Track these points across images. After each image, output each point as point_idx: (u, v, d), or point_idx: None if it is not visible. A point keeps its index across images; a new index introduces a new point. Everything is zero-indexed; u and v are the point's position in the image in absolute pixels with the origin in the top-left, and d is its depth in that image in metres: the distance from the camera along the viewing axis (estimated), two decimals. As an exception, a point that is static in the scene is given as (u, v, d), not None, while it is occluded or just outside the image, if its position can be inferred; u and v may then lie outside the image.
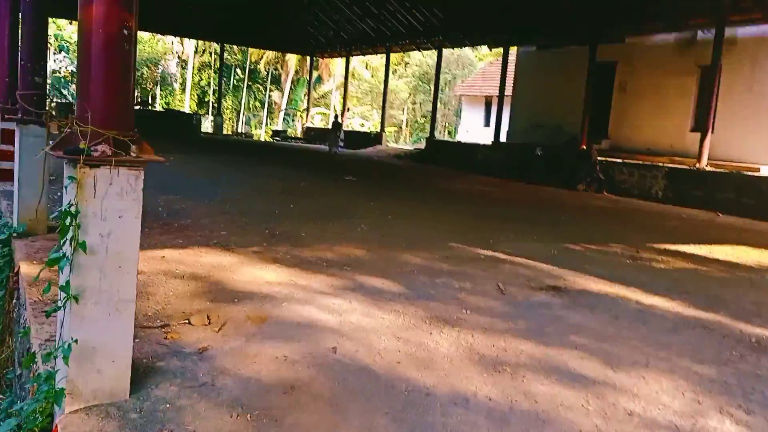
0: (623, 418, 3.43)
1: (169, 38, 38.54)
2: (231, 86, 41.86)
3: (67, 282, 3.05)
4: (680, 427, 3.37)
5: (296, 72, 41.12)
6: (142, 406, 3.19)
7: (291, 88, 41.94)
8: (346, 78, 30.83)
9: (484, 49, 38.19)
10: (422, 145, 26.55)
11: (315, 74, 39.27)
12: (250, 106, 43.10)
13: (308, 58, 34.24)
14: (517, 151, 19.84)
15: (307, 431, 3.10)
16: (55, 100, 32.73)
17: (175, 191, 9.55)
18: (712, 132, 15.57)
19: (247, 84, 41.96)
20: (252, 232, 7.23)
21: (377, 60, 38.92)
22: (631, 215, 12.78)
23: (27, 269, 5.35)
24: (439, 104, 44.31)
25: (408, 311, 4.87)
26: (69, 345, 3.03)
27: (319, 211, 8.98)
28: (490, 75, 32.34)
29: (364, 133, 31.38)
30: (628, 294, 6.00)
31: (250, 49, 38.82)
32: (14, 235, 6.47)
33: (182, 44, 39.49)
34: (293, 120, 41.46)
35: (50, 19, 34.75)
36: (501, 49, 22.66)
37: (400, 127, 49.13)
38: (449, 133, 46.27)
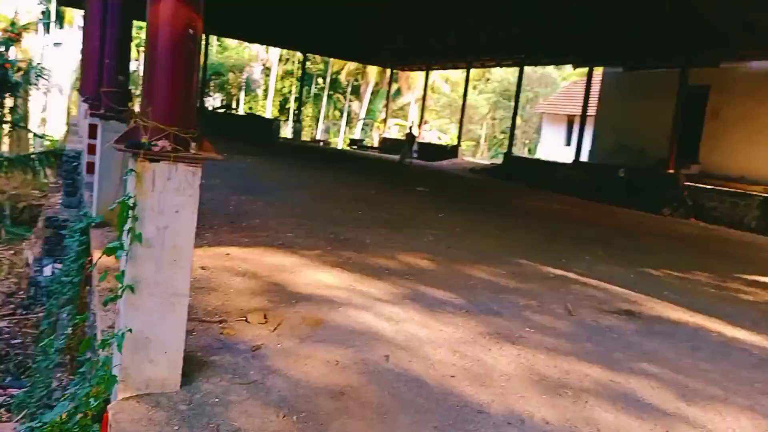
0: (694, 456, 3.16)
1: (255, 46, 39.73)
2: (312, 94, 42.72)
3: (123, 272, 3.09)
4: (759, 473, 3.06)
5: (376, 84, 41.51)
6: (191, 398, 3.18)
7: (370, 99, 42.35)
8: (425, 91, 30.80)
9: (568, 68, 37.42)
10: (500, 160, 26.16)
11: (395, 86, 39.49)
12: (330, 114, 43.83)
13: (388, 70, 34.49)
14: (598, 172, 19.19)
15: (352, 439, 3.00)
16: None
17: (248, 192, 9.71)
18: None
19: (328, 93, 42.70)
20: (317, 235, 7.23)
21: (457, 74, 38.75)
22: (719, 244, 12.06)
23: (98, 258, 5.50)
24: (519, 121, 43.74)
25: (468, 325, 4.70)
26: (123, 333, 3.05)
27: (386, 219, 8.91)
28: (573, 94, 31.56)
29: (440, 145, 31.22)
30: (709, 325, 5.61)
31: (332, 60, 39.51)
32: (92, 225, 6.71)
33: (267, 52, 40.62)
34: (371, 130, 41.85)
35: (143, 24, 36.46)
36: (585, 69, 22.05)
37: (478, 142, 48.70)
38: (529, 150, 45.49)
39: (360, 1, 21.50)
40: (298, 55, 34.19)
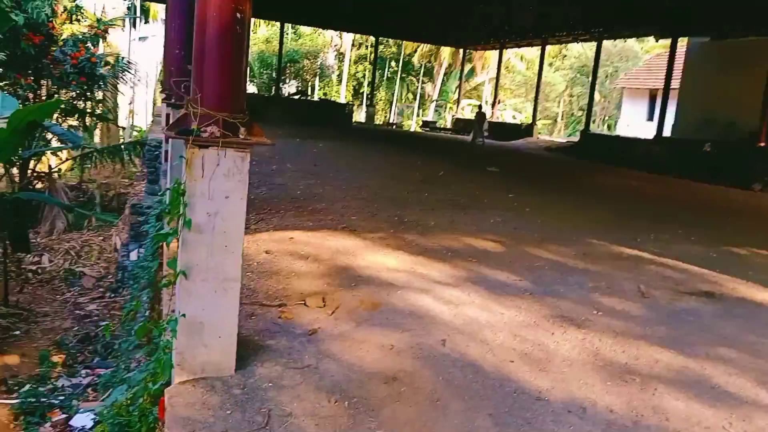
0: (772, 449, 2.93)
1: (329, 32, 39.97)
2: (385, 78, 42.62)
3: (175, 258, 3.14)
4: None
5: (449, 64, 40.90)
6: (246, 382, 3.21)
7: (443, 80, 41.82)
8: (498, 70, 30.09)
9: (651, 41, 35.60)
10: (577, 138, 25.30)
11: (468, 66, 38.81)
12: (403, 97, 43.61)
13: (461, 50, 33.89)
14: (681, 147, 18.21)
15: (403, 425, 2.95)
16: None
17: (316, 176, 9.78)
18: None
19: (401, 76, 42.46)
20: (381, 218, 7.19)
21: (532, 52, 37.65)
22: (815, 221, 11.22)
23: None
24: (598, 97, 42.06)
25: (531, 308, 4.55)
26: (176, 318, 3.11)
27: (452, 200, 8.76)
28: (655, 67, 30.03)
29: (514, 124, 30.48)
30: (797, 307, 5.21)
31: (405, 42, 39.22)
32: (167, 210, 6.92)
33: (341, 38, 40.78)
34: (444, 111, 41.40)
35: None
36: (668, 41, 20.87)
37: (555, 120, 47.27)
38: (608, 126, 43.76)
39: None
40: (371, 39, 34.12)
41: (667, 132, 20.44)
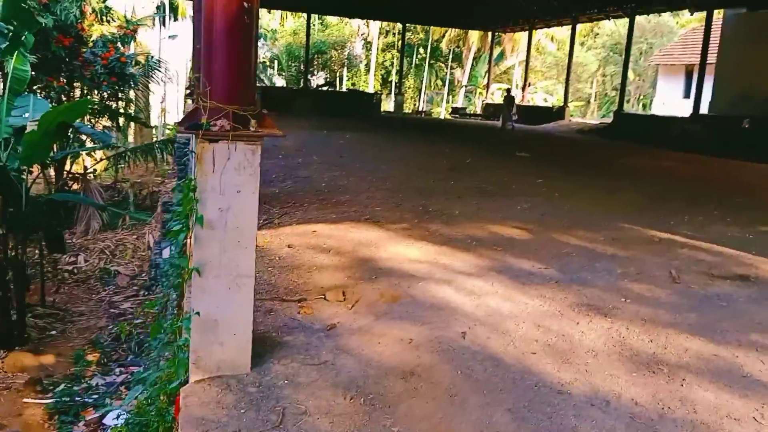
0: (807, 442, 2.78)
1: (356, 21, 39.83)
2: (413, 65, 42.33)
3: (189, 255, 3.12)
4: None
5: (478, 49, 40.38)
6: (261, 380, 3.19)
7: (472, 65, 41.32)
8: (528, 52, 29.58)
9: (686, 15, 34.54)
10: (610, 119, 24.74)
11: (498, 50, 38.30)
12: (432, 84, 43.30)
13: (489, 33, 33.44)
14: (718, 124, 17.64)
15: (419, 421, 2.89)
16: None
17: (342, 167, 9.74)
18: None
19: (429, 62, 42.11)
20: (405, 208, 7.12)
21: (563, 32, 36.90)
22: None
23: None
24: (632, 76, 41.07)
25: (556, 297, 4.44)
26: (189, 316, 3.10)
27: (479, 188, 8.63)
28: (691, 42, 29.15)
29: (545, 107, 30.00)
30: (839, 290, 4.97)
31: (432, 28, 38.84)
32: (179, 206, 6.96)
33: (368, 26, 40.62)
34: (474, 96, 40.97)
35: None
36: (704, 14, 20.18)
37: (588, 101, 46.38)
38: (644, 106, 42.76)
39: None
40: (399, 26, 33.88)
41: (704, 109, 19.83)
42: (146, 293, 12.28)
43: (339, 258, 5.21)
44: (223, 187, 3.08)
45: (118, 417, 5.53)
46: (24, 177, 10.19)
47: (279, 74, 40.14)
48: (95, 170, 18.15)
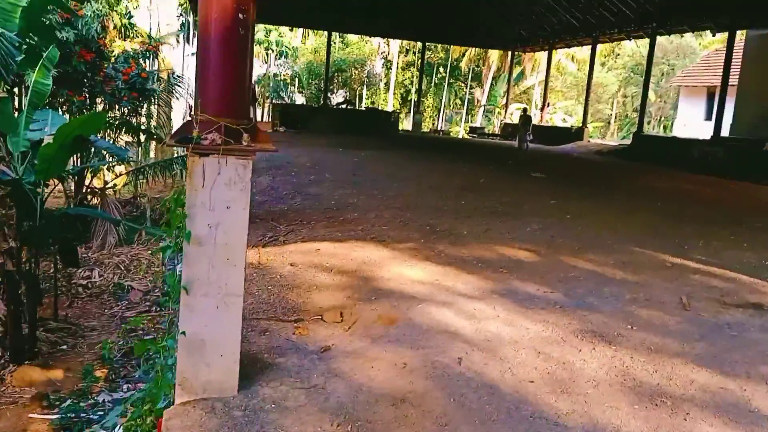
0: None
1: (376, 40, 40.09)
2: (432, 84, 42.42)
3: (173, 273, 3.06)
4: None
5: (498, 68, 40.40)
6: (248, 403, 3.10)
7: (491, 84, 41.31)
8: (547, 72, 29.49)
9: (709, 35, 34.26)
10: (629, 141, 24.49)
11: (518, 69, 38.30)
12: (451, 103, 43.32)
13: (509, 53, 33.44)
14: (739, 147, 17.36)
15: (407, 451, 2.78)
16: (273, 100, 35.78)
17: (353, 186, 9.69)
18: None
19: (449, 81, 42.21)
20: (413, 227, 7.03)
21: (584, 52, 36.77)
22: None
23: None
24: (654, 97, 40.73)
25: (559, 322, 4.30)
26: (173, 335, 3.03)
27: (490, 208, 8.51)
28: (713, 63, 28.87)
29: (564, 128, 29.79)
30: None
31: (452, 47, 38.95)
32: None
33: (388, 45, 40.89)
34: (493, 116, 40.90)
35: (272, 27, 38.17)
36: (726, 35, 19.97)
37: (608, 122, 46.07)
38: (665, 127, 42.38)
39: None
40: (419, 45, 34.01)
41: (726, 131, 19.56)
42: (159, 309, 12.27)
43: (340, 277, 5.13)
44: (213, 202, 3.02)
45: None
46: (39, 191, 10.27)
47: (299, 92, 40.45)
48: (114, 185, 18.34)
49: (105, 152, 14.24)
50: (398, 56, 41.30)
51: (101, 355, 10.00)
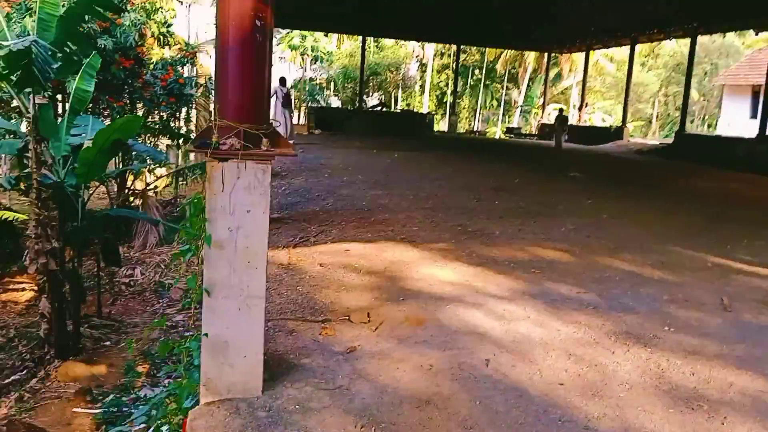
0: None
1: (411, 43, 40.04)
2: (468, 86, 42.16)
3: (194, 275, 3.06)
4: None
5: (534, 69, 39.98)
6: (272, 404, 3.08)
7: (528, 85, 40.86)
8: (585, 72, 29.02)
9: (752, 34, 33.25)
10: (671, 140, 23.91)
11: (555, 70, 37.81)
12: (487, 104, 42.95)
13: (545, 54, 33.02)
14: (786, 144, 16.76)
15: (430, 454, 2.72)
16: (309, 104, 36.02)
17: (385, 187, 9.65)
18: None
19: (485, 83, 41.88)
20: (444, 228, 6.95)
21: (622, 52, 36.07)
22: None
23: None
24: (697, 96, 39.75)
25: (592, 324, 4.18)
26: (195, 337, 3.03)
27: (523, 208, 8.36)
28: (758, 62, 28.13)
29: (602, 127, 29.26)
30: None
31: (488, 49, 38.67)
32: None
33: (423, 48, 40.77)
34: (530, 117, 40.44)
35: (307, 32, 38.48)
36: (770, 33, 19.36)
37: (650, 122, 45.12)
38: (709, 126, 41.31)
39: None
40: (454, 48, 33.84)
41: (771, 129, 18.91)
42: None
43: (369, 278, 5.09)
44: (233, 206, 3.02)
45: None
46: (80, 193, 10.51)
47: (335, 95, 40.66)
48: (156, 186, 18.68)
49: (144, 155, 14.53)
50: (433, 59, 41.17)
51: (143, 351, 10.19)
